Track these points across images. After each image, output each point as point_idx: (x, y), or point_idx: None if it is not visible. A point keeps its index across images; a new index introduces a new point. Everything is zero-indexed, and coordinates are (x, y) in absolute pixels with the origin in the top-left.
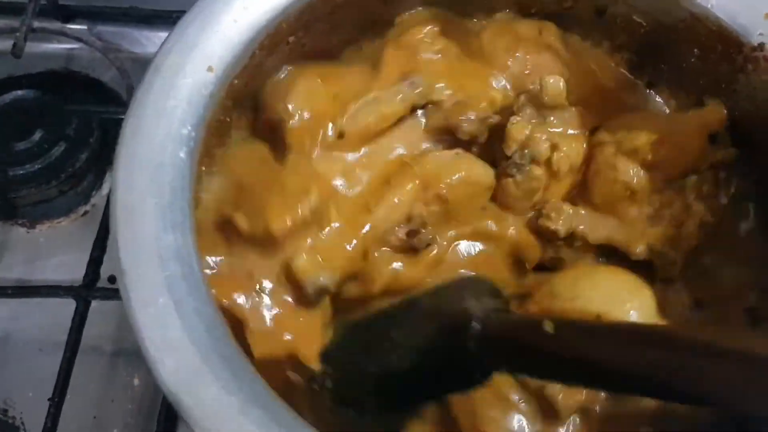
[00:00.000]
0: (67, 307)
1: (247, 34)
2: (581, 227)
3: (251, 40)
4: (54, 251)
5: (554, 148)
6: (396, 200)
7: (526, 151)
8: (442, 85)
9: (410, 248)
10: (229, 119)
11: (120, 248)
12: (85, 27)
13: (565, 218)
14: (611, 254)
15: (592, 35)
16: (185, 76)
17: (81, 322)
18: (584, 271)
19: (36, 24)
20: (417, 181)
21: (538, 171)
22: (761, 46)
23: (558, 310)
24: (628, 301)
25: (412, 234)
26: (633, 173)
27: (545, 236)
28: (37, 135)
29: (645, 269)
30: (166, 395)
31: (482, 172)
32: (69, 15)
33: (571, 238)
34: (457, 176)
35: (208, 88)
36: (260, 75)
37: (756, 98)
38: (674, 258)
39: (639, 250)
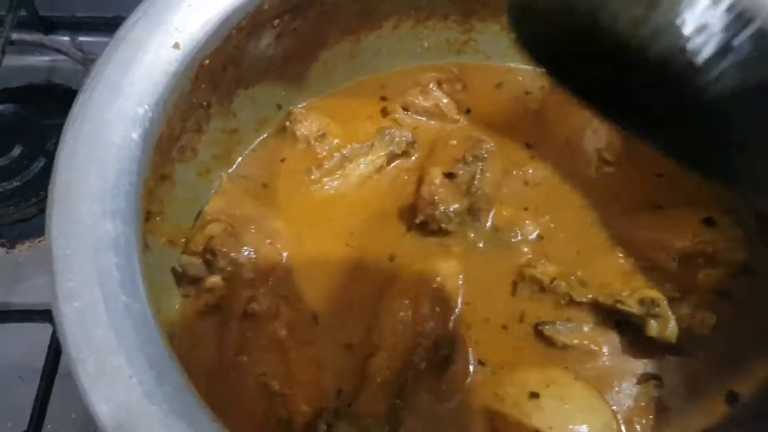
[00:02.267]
0: (46, 331)
1: (223, 11)
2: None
3: (227, 19)
4: (34, 272)
5: None
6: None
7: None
8: None
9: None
10: (206, 103)
11: (52, 233)
12: (67, 38)
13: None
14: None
15: None
16: (147, 52)
17: (58, 348)
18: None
19: (15, 36)
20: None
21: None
22: None
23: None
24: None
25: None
26: None
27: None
28: (16, 151)
29: None
30: (83, 400)
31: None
32: (50, 26)
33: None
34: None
35: (172, 66)
36: (243, 59)
37: None
38: None
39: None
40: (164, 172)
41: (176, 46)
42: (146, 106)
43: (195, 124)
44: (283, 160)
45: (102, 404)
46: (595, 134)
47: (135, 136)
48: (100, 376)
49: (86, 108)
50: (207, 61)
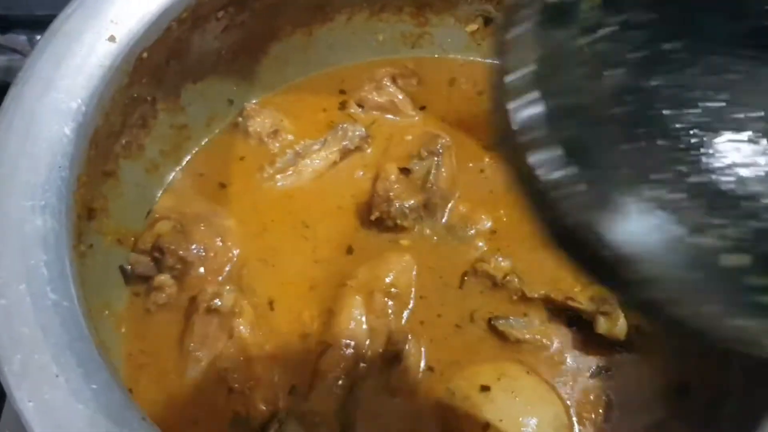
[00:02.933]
0: None
1: (161, 3)
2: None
3: (166, 11)
4: None
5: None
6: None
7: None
8: None
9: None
10: (150, 98)
11: None
12: (24, 37)
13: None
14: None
15: None
16: (82, 44)
17: None
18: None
19: None
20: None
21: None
22: None
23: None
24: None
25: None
26: None
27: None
28: None
29: None
30: (8, 398)
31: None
32: (7, 25)
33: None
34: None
35: (107, 60)
36: (188, 53)
37: None
38: None
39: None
40: (107, 168)
41: (112, 38)
42: (79, 100)
43: (140, 120)
44: (242, 158)
45: (27, 402)
46: None
47: (67, 130)
48: (25, 375)
49: (18, 102)
50: (146, 55)
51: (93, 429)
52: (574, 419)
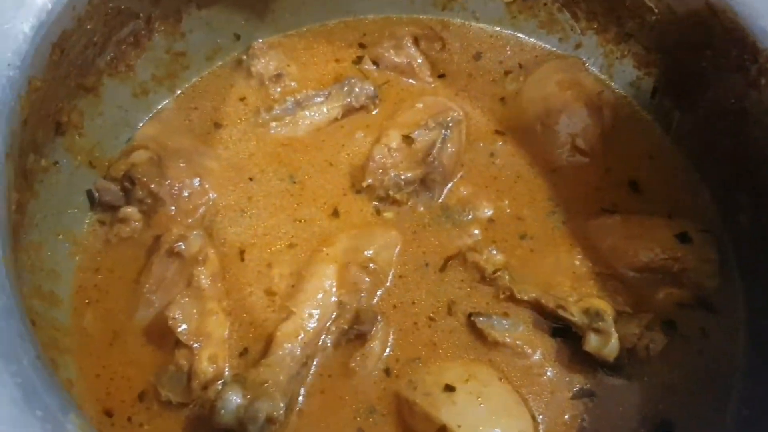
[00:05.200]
0: None
1: None
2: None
3: None
4: None
5: None
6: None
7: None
8: None
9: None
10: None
11: None
12: None
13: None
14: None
15: (599, 20)
16: None
17: None
18: (464, 372)
19: None
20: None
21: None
22: None
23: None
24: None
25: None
26: None
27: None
28: None
29: None
30: None
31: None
32: None
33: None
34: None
35: None
36: None
37: (764, 124)
38: None
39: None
40: (85, 82)
41: None
42: None
43: (131, 37)
44: (242, 99)
45: None
46: (571, 119)
47: (26, 27)
48: None
49: None
50: None
51: None
52: None
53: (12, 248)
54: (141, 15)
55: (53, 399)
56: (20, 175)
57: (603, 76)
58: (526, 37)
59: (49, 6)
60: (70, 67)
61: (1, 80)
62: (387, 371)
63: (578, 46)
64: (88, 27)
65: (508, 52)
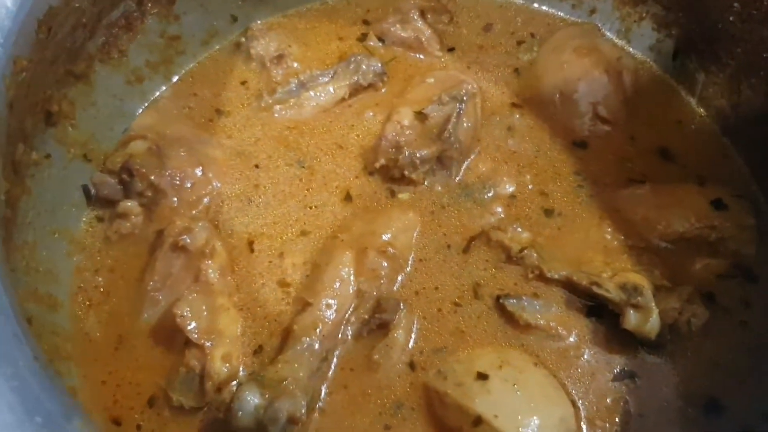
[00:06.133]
0: None
1: None
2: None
3: None
4: None
5: None
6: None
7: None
8: None
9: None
10: None
11: None
12: None
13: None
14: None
15: None
16: None
17: None
18: (496, 358)
19: None
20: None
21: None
22: None
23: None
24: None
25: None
26: None
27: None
28: None
29: None
30: None
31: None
32: None
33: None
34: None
35: None
36: None
37: None
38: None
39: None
40: (75, 68)
41: None
42: None
43: (122, 19)
44: (243, 83)
45: None
46: (591, 86)
47: (8, 2)
48: None
49: None
50: None
51: None
52: (584, 425)
53: (3, 243)
54: None
55: (54, 404)
56: (9, 166)
57: (620, 42)
58: (538, 6)
59: None
60: (58, 49)
61: None
62: (411, 365)
63: (593, 11)
64: (76, 5)
65: (519, 22)
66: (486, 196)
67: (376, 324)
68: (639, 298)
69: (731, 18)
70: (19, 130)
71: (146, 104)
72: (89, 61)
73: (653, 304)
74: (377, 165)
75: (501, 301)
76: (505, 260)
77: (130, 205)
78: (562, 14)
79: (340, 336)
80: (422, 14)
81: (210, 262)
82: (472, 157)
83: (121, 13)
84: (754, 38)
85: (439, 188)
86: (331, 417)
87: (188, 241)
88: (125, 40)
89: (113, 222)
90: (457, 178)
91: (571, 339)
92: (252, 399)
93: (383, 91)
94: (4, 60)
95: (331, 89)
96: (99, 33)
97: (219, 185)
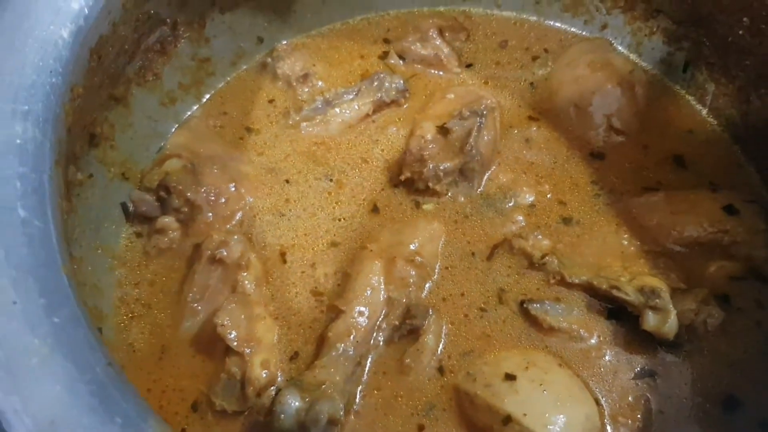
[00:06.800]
0: None
1: None
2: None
3: None
4: None
5: None
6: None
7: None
8: None
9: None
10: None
11: None
12: None
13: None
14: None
15: None
16: None
17: None
18: (522, 360)
19: None
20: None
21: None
22: None
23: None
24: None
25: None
26: None
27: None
28: None
29: None
30: None
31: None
32: None
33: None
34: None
35: None
36: None
37: None
38: None
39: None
40: (116, 92)
41: None
42: (82, 2)
43: (157, 44)
44: (271, 101)
45: None
46: (605, 99)
47: (65, 33)
48: None
49: None
50: None
51: (47, 369)
52: (608, 422)
53: (70, 259)
54: (168, 20)
55: (131, 406)
56: (63, 186)
57: (632, 56)
58: (550, 22)
59: (86, 11)
60: (103, 75)
61: (45, 88)
62: (441, 368)
63: (604, 27)
64: (122, 33)
65: (533, 38)
66: (507, 206)
67: (407, 330)
68: (657, 300)
69: (741, 32)
70: (71, 153)
71: (179, 124)
72: (128, 84)
73: (671, 306)
74: (402, 177)
75: (525, 305)
76: (527, 267)
77: (167, 220)
78: (574, 30)
79: (372, 342)
80: (440, 32)
81: (246, 273)
82: (492, 168)
83: (156, 38)
84: (763, 51)
85: (462, 199)
86: (366, 419)
87: (225, 254)
88: (160, 64)
89: (151, 237)
90: (479, 189)
91: (593, 340)
92: (293, 402)
93: (405, 106)
94: (64, 88)
95: (356, 106)
96: (137, 57)
97: (251, 200)
